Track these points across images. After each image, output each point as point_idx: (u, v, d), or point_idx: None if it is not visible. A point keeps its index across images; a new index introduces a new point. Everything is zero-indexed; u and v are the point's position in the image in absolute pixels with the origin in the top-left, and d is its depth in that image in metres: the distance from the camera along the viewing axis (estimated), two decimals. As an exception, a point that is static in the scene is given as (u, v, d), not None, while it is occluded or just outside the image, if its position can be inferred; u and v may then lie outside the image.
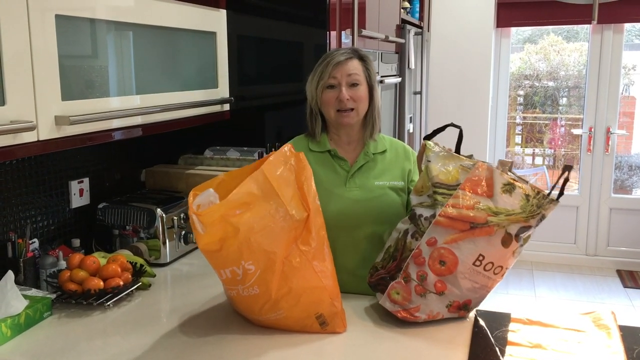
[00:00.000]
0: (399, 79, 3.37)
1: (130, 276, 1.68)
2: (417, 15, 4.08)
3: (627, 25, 4.49)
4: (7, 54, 1.27)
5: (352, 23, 2.42)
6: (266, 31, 2.37)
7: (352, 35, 2.43)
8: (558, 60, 4.89)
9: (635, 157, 4.81)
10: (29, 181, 1.83)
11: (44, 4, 1.36)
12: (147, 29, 1.75)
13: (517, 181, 1.41)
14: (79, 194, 2.01)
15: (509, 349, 1.41)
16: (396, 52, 3.39)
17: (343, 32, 2.38)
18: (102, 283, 1.61)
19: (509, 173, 1.44)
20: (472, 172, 1.42)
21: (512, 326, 1.52)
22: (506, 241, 1.39)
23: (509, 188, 1.40)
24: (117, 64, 1.65)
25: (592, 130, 4.63)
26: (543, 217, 1.39)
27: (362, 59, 1.70)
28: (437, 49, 4.49)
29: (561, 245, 4.78)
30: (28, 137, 1.33)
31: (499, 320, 1.56)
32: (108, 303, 1.59)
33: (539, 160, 5.13)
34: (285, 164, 1.40)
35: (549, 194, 1.39)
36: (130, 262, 1.76)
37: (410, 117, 3.70)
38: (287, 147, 1.44)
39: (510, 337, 1.47)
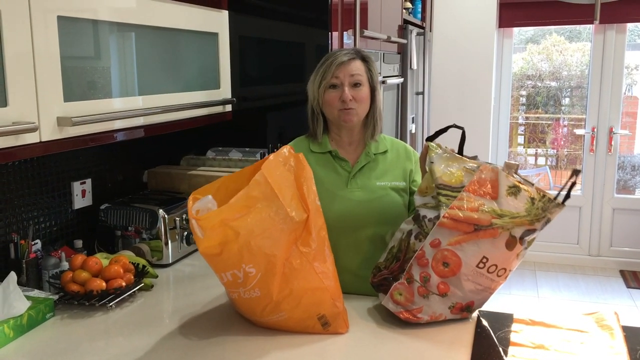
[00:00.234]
0: (401, 80, 3.37)
1: (132, 277, 1.68)
2: (419, 15, 4.07)
3: (630, 25, 4.48)
4: (9, 55, 1.27)
5: (354, 23, 2.42)
6: (268, 32, 2.37)
7: (354, 35, 2.42)
8: (560, 61, 4.88)
9: (638, 157, 4.79)
10: (31, 182, 1.83)
11: (46, 5, 1.36)
12: (149, 30, 1.75)
13: (522, 184, 1.40)
14: (81, 195, 2.02)
15: (511, 350, 1.40)
16: (398, 53, 3.39)
17: (345, 33, 2.38)
18: (104, 284, 1.61)
19: (514, 175, 1.43)
20: (477, 174, 1.42)
21: (514, 327, 1.52)
22: (510, 244, 1.38)
23: (514, 190, 1.39)
24: (120, 65, 1.65)
25: (595, 130, 4.62)
26: (548, 221, 1.38)
27: (365, 59, 1.70)
28: (440, 49, 4.49)
29: (564, 245, 4.77)
30: (30, 138, 1.33)
31: (502, 321, 1.55)
32: (110, 304, 1.59)
33: (541, 160, 5.12)
34: (285, 165, 1.40)
35: (555, 198, 1.38)
36: (132, 263, 1.76)
37: (413, 118, 3.70)
38: (286, 148, 1.44)
39: (513, 337, 1.46)
